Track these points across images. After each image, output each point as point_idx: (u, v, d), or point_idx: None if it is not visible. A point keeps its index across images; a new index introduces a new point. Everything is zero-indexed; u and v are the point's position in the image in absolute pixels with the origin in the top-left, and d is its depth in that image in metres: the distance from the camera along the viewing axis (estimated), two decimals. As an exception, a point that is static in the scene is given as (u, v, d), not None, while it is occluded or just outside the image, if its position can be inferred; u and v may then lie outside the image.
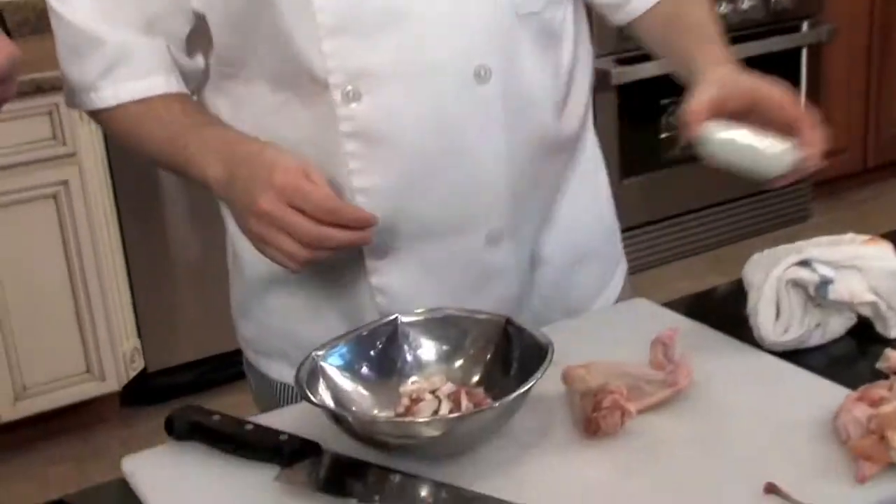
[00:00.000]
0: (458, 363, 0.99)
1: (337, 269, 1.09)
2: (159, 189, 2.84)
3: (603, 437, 0.91)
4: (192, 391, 2.96)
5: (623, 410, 0.91)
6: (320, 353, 0.97)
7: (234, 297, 1.21)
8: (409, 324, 1.01)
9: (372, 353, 0.99)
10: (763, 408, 0.95)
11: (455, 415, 0.89)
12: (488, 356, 0.99)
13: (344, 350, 0.98)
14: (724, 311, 1.12)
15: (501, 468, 0.89)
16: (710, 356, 1.03)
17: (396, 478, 0.88)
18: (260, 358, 1.21)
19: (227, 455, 0.93)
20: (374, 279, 1.09)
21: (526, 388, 0.88)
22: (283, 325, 1.16)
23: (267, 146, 1.00)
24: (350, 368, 0.97)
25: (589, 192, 1.22)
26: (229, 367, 2.97)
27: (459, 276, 1.10)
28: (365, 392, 0.97)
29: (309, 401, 0.88)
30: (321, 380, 0.95)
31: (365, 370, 0.98)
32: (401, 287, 1.09)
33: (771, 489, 0.83)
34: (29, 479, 2.66)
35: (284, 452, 0.89)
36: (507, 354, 0.97)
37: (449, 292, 1.08)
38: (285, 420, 0.96)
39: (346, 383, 0.96)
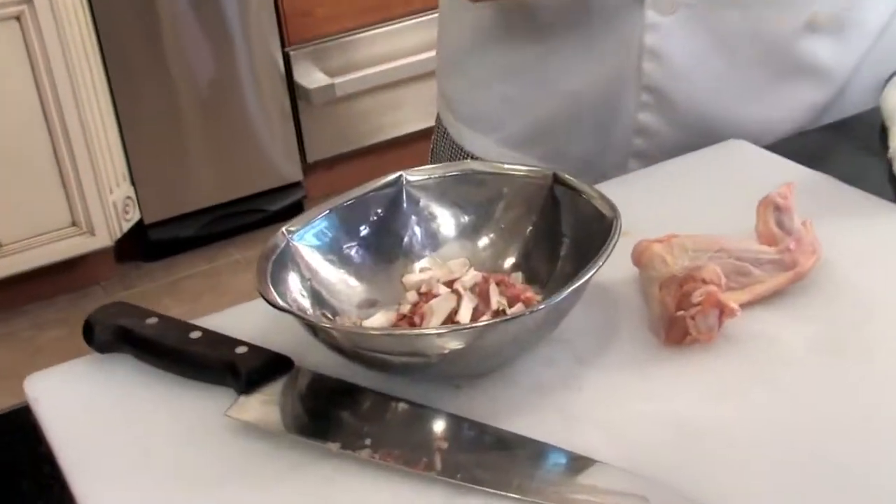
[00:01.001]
0: (486, 240, 0.79)
1: (603, 14, 0.96)
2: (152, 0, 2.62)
3: (692, 346, 0.71)
4: (197, 245, 2.88)
5: (721, 307, 0.70)
6: (294, 228, 0.76)
7: (446, 48, 1.11)
8: (418, 184, 0.80)
9: (365, 227, 0.78)
10: (923, 299, 0.73)
11: (483, 322, 0.68)
12: (528, 230, 0.78)
13: (326, 224, 0.77)
14: (858, 155, 0.89)
15: (547, 394, 0.69)
16: (842, 223, 0.81)
17: (398, 408, 0.68)
18: (460, 125, 1.11)
19: (164, 374, 0.74)
20: (649, 38, 0.96)
21: (583, 279, 0.67)
22: (503, 83, 1.04)
23: None
24: (335, 250, 0.77)
25: None
26: (241, 217, 2.86)
27: (758, 61, 0.97)
28: (355, 283, 0.76)
29: (272, 303, 0.68)
30: (294, 268, 0.75)
31: (356, 252, 0.77)
32: (681, 55, 0.96)
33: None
34: (16, 347, 2.59)
35: (242, 372, 0.70)
36: (555, 227, 0.77)
37: (737, 77, 0.97)
38: (249, 322, 0.76)
39: (329, 272, 0.76)
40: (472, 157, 1.08)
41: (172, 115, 2.73)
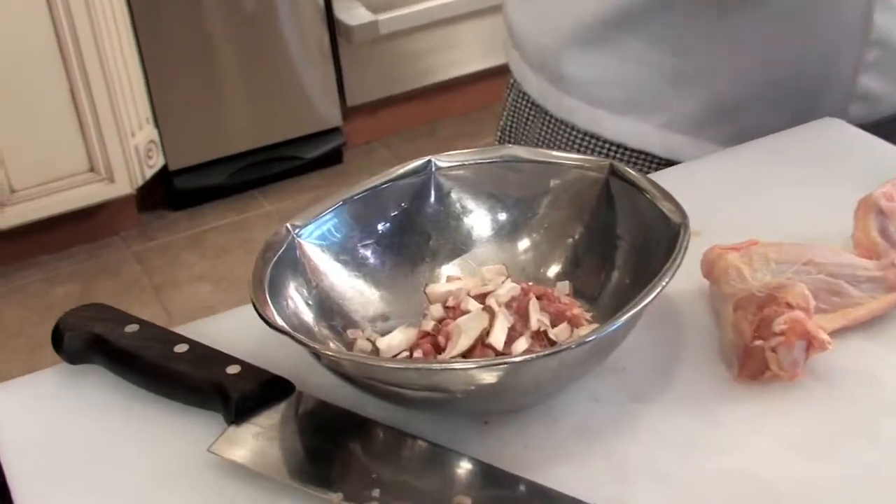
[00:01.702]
0: (528, 242, 0.72)
1: None
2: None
3: (772, 384, 0.62)
4: (226, 194, 2.85)
5: (809, 337, 0.62)
6: (299, 223, 0.69)
7: (568, 22, 0.97)
8: (450, 172, 0.72)
9: (385, 224, 0.71)
10: None
11: (517, 358, 0.60)
12: (578, 232, 0.70)
13: (338, 218, 0.70)
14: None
15: (593, 438, 0.61)
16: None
17: (415, 447, 0.61)
18: (597, 111, 0.98)
19: (143, 392, 0.67)
20: None
21: (643, 303, 0.59)
22: (672, 55, 0.93)
23: None
24: (348, 251, 0.70)
25: None
26: (274, 164, 2.81)
27: None
28: (371, 291, 0.70)
29: (268, 321, 0.61)
30: (298, 271, 0.67)
31: (372, 254, 0.71)
32: None
33: None
34: (27, 302, 2.55)
35: (232, 397, 0.63)
36: (610, 229, 0.69)
37: None
38: (246, 331, 0.69)
39: (340, 277, 0.69)
40: (614, 147, 0.97)
41: (201, 52, 2.65)
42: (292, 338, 0.59)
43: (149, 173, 2.64)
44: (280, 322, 0.61)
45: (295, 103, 2.81)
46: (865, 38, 0.87)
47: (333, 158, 2.89)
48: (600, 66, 0.96)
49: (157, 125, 2.65)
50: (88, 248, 2.68)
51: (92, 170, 2.53)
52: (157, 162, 2.67)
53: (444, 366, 0.58)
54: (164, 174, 2.72)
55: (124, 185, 2.57)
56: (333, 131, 2.89)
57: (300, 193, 2.80)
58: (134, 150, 2.57)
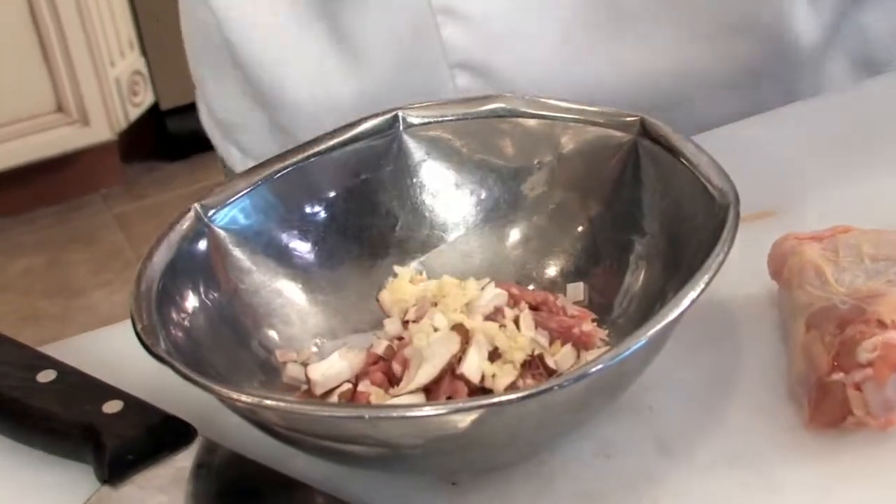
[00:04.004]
0: (527, 229, 0.70)
1: None
2: None
3: (857, 434, 0.59)
4: None
5: (911, 369, 0.58)
6: (213, 203, 0.68)
7: None
8: (423, 132, 0.70)
9: (334, 204, 0.69)
10: None
11: (485, 400, 0.56)
12: (593, 213, 0.68)
13: (267, 199, 0.68)
14: None
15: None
16: None
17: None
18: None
19: (-2, 438, 0.66)
20: None
21: (670, 316, 0.55)
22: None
23: None
24: (281, 240, 0.68)
25: None
26: None
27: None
28: (313, 296, 0.68)
29: (148, 347, 0.58)
30: (207, 272, 0.65)
31: (314, 244, 0.69)
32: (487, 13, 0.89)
33: None
34: (-20, 277, 2.59)
35: (107, 445, 0.61)
36: (635, 210, 0.67)
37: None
38: (140, 356, 0.65)
39: (268, 277, 0.67)
40: None
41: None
42: (175, 370, 0.55)
43: (134, 114, 2.68)
44: (162, 346, 0.57)
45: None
46: (445, 58, 0.89)
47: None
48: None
49: (143, 52, 2.69)
50: (58, 210, 2.73)
51: (60, 109, 2.58)
52: (145, 99, 2.72)
53: (386, 412, 0.54)
54: (154, 115, 2.76)
55: (102, 129, 2.62)
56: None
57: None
58: (114, 84, 2.61)
